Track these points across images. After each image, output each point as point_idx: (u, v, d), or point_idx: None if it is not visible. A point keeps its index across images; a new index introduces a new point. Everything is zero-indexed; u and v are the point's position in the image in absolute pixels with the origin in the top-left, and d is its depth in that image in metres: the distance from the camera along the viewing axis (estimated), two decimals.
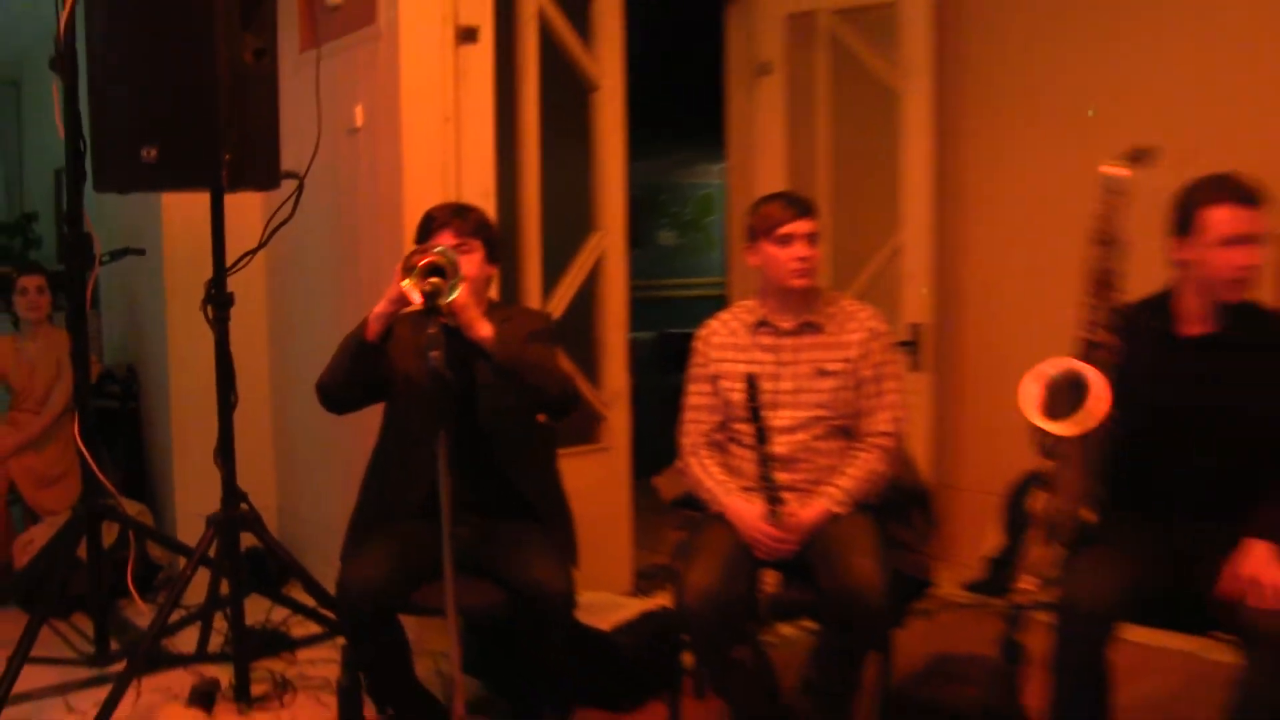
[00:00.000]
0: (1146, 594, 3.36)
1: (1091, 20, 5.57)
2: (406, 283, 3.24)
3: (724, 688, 3.87)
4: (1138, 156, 3.27)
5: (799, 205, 3.90)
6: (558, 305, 5.33)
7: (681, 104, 7.37)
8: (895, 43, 5.79)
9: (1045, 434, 3.28)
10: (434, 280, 3.21)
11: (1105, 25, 5.53)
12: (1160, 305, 3.54)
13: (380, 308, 3.57)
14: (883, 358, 3.91)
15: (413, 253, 3.31)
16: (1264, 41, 5.08)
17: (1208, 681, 3.95)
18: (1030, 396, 3.23)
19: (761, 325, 3.95)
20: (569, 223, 5.47)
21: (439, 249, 3.30)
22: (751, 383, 3.64)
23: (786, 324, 3.92)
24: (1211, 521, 3.40)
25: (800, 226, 3.83)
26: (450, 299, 3.21)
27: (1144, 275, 3.54)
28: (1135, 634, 4.38)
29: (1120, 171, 3.30)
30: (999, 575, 5.52)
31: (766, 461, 3.65)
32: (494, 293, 4.03)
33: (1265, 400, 3.39)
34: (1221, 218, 3.34)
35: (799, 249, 3.82)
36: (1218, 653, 3.79)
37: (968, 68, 5.96)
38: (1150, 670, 4.59)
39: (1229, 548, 3.26)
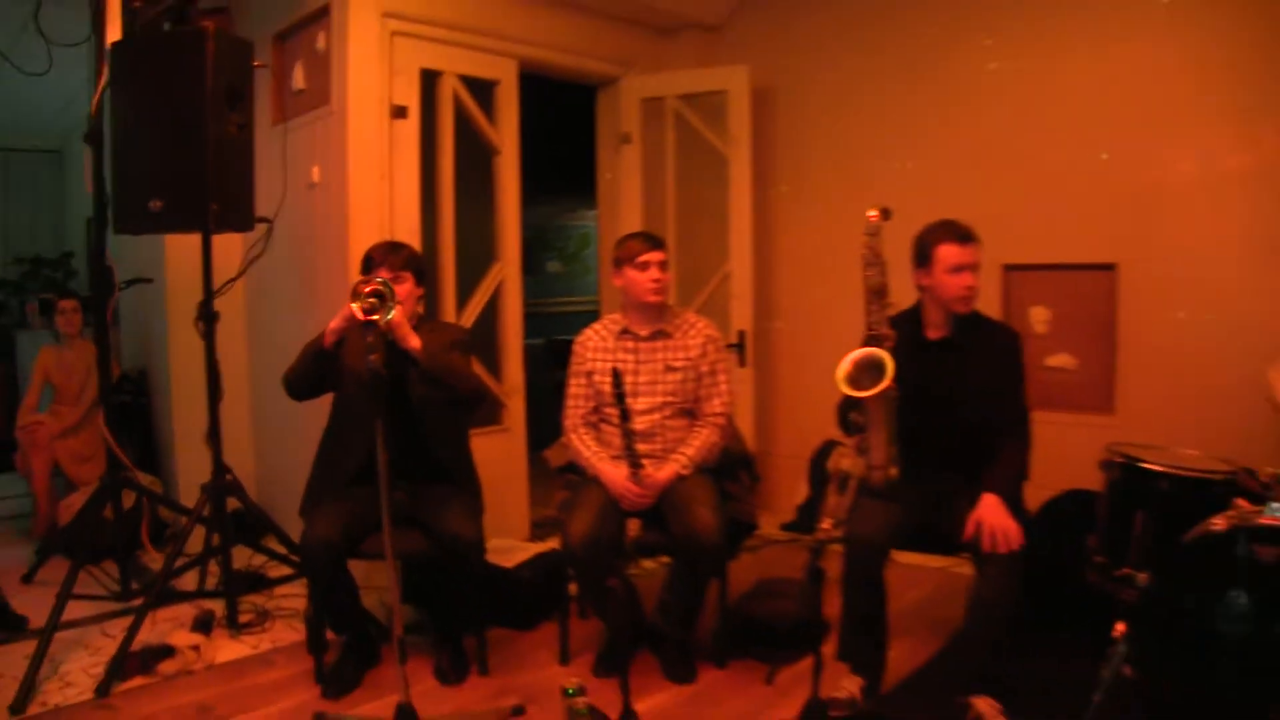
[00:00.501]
0: (911, 528, 3.51)
1: (867, 104, 5.81)
2: (355, 305, 3.26)
3: (600, 609, 3.94)
4: (886, 213, 3.38)
5: (653, 240, 3.98)
6: (468, 318, 5.32)
7: (566, 164, 7.39)
8: (724, 120, 5.89)
9: (851, 408, 3.36)
10: (373, 301, 3.25)
11: (876, 107, 5.76)
12: (913, 316, 3.66)
13: (334, 324, 3.60)
14: (716, 356, 3.99)
15: (359, 282, 3.32)
16: (988, 123, 5.41)
17: (955, 589, 4.07)
18: (843, 373, 3.29)
19: (624, 333, 4.00)
20: (477, 255, 5.47)
21: (379, 280, 3.32)
22: (617, 376, 3.65)
23: (644, 331, 3.98)
24: (954, 474, 3.54)
25: (654, 256, 3.91)
26: (388, 318, 3.25)
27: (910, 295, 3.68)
28: (904, 558, 4.54)
29: (875, 217, 3.37)
30: (806, 518, 5.71)
31: (629, 436, 3.67)
32: (420, 309, 4.04)
33: (984, 386, 3.53)
34: (949, 252, 3.51)
35: (653, 273, 3.90)
36: (961, 568, 3.93)
37: (778, 139, 6.14)
38: (915, 583, 4.77)
39: (966, 493, 3.40)
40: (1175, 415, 4.84)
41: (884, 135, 5.74)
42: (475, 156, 5.46)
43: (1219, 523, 3.00)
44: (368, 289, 3.29)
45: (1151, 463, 3.46)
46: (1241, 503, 3.20)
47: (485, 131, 5.43)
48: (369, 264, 3.88)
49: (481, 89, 5.40)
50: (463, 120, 5.32)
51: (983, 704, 3.31)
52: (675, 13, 6.12)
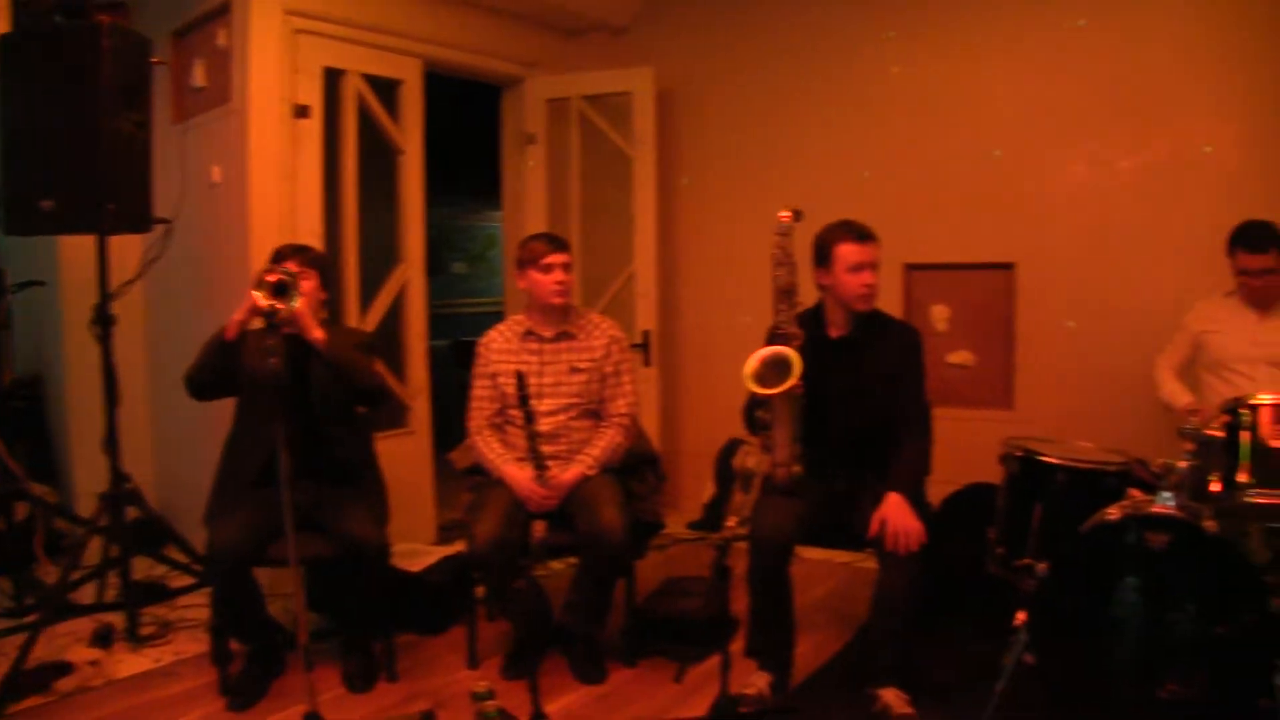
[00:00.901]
0: (816, 525, 3.53)
1: (771, 106, 5.87)
2: (257, 293, 3.21)
3: (508, 612, 3.91)
4: (798, 214, 3.41)
5: (557, 242, 3.95)
6: (372, 320, 5.24)
7: (472, 164, 7.32)
8: (629, 121, 5.88)
9: (757, 406, 3.38)
10: (276, 287, 3.23)
11: (780, 109, 5.83)
12: (816, 315, 3.69)
13: (237, 315, 3.52)
14: (620, 357, 3.97)
15: (263, 270, 3.28)
16: (891, 125, 5.52)
17: (860, 583, 4.12)
18: (750, 371, 3.31)
19: (528, 334, 3.97)
20: (380, 256, 5.39)
21: (283, 268, 3.28)
22: (520, 378, 3.63)
23: (548, 333, 3.95)
24: (857, 470, 3.59)
25: (558, 258, 3.88)
26: (292, 304, 3.20)
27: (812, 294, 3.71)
28: (810, 553, 4.60)
29: (787, 218, 3.42)
30: (712, 516, 5.71)
31: (534, 438, 3.65)
32: (324, 314, 3.97)
33: (885, 383, 3.58)
34: (848, 251, 3.53)
35: (557, 275, 3.87)
36: (866, 563, 3.97)
37: (681, 140, 6.15)
38: (822, 578, 4.81)
39: (870, 489, 3.44)
40: (1071, 409, 4.98)
41: (787, 136, 5.81)
42: (379, 156, 5.37)
43: (1113, 513, 3.07)
44: (272, 277, 3.24)
45: (1048, 456, 3.53)
46: (1135, 493, 3.29)
47: (389, 131, 5.35)
48: (277, 260, 3.79)
49: (385, 88, 5.32)
50: (366, 120, 5.23)
51: (890, 695, 3.34)
52: (581, 14, 6.10)
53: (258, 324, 3.49)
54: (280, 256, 3.78)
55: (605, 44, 6.35)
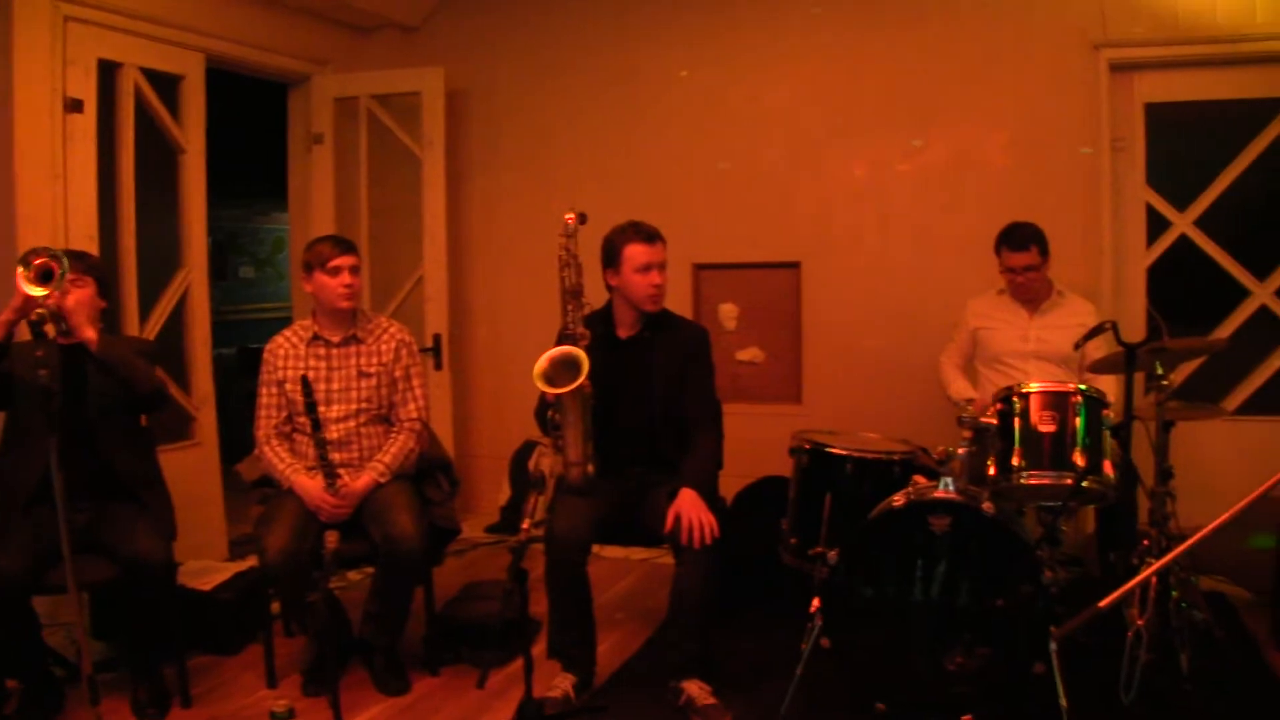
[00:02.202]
0: (612, 522, 3.54)
1: (562, 107, 5.86)
2: (20, 272, 3.00)
3: (305, 626, 3.77)
4: (583, 216, 3.40)
5: (344, 244, 3.81)
6: (152, 328, 4.94)
7: (259, 164, 7.04)
8: (418, 121, 5.77)
9: (548, 407, 3.36)
10: (42, 271, 3.02)
11: (572, 111, 5.82)
12: (605, 315, 3.70)
13: (5, 315, 3.22)
14: (410, 361, 3.87)
15: (27, 253, 3.05)
16: (680, 127, 5.59)
17: (659, 579, 4.13)
18: (539, 371, 3.28)
19: (315, 339, 3.81)
20: (161, 261, 5.10)
21: (50, 250, 3.05)
22: (306, 385, 3.52)
23: (335, 337, 3.80)
24: (650, 467, 3.60)
25: (345, 260, 3.74)
26: (60, 288, 3.03)
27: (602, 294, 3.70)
28: (608, 551, 4.58)
29: (572, 220, 3.42)
30: (509, 519, 5.67)
31: (323, 445, 3.55)
32: (100, 325, 3.70)
33: (674, 381, 3.61)
34: (636, 252, 3.56)
35: (344, 278, 3.72)
36: (664, 558, 3.98)
37: (472, 141, 6.06)
38: (621, 576, 4.82)
39: (664, 486, 3.46)
40: (858, 401, 5.16)
41: (578, 138, 5.80)
42: (159, 156, 5.09)
43: (898, 499, 3.19)
44: (37, 260, 3.02)
45: (836, 447, 3.64)
46: (919, 479, 3.41)
47: (169, 129, 5.05)
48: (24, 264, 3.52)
49: (165, 83, 5.02)
50: (145, 116, 4.92)
51: (693, 687, 3.37)
52: (372, 12, 5.93)
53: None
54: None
55: (396, 43, 6.20)
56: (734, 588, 3.99)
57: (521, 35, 5.94)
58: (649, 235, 3.57)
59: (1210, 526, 2.04)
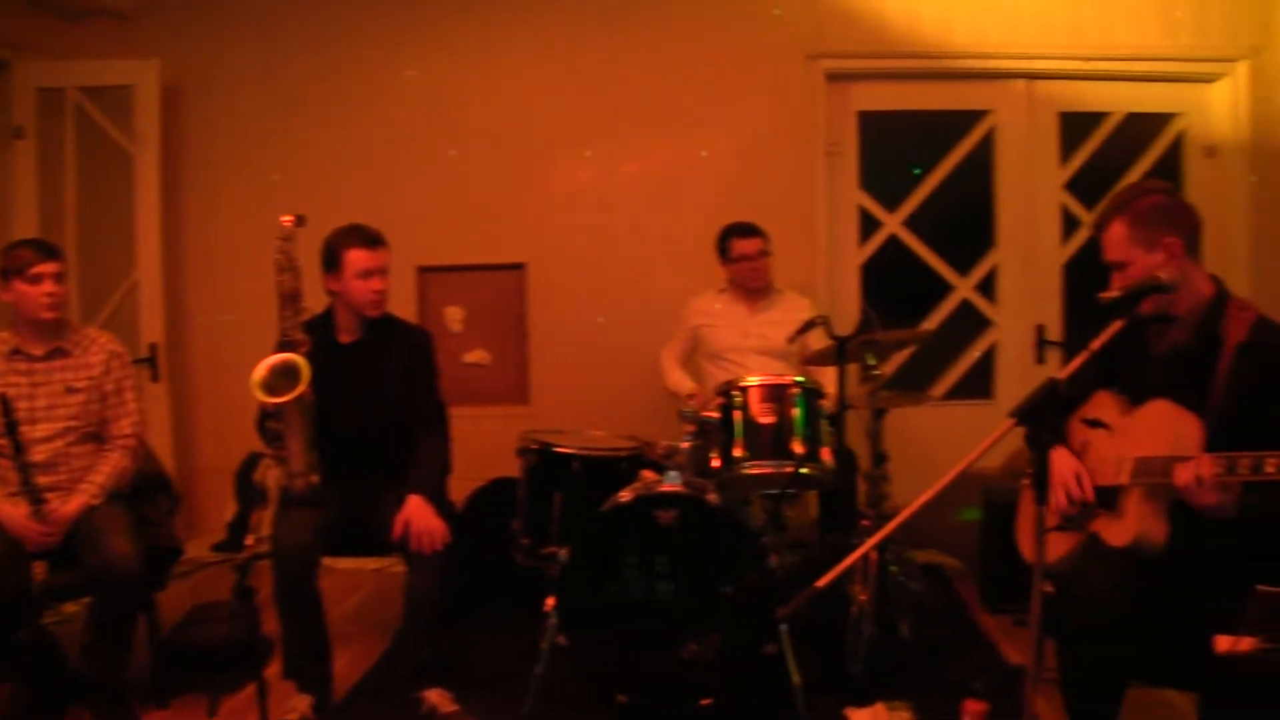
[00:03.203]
0: (341, 533, 3.50)
1: (282, 104, 5.72)
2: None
3: (14, 668, 3.48)
4: (301, 219, 3.35)
5: (47, 249, 3.59)
6: None
7: None
8: (131, 116, 5.53)
9: (269, 416, 3.28)
10: None
11: (292, 108, 5.69)
12: (326, 320, 3.65)
13: None
14: (122, 374, 3.70)
15: None
16: (405, 127, 5.59)
17: (393, 587, 4.10)
18: (258, 380, 3.21)
19: (15, 353, 3.58)
20: None
21: None
22: (5, 402, 3.32)
23: (38, 351, 3.58)
24: (377, 474, 3.58)
25: (48, 267, 3.52)
26: None
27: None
28: (340, 563, 4.53)
29: (289, 223, 3.35)
30: (237, 536, 5.48)
31: (26, 469, 3.35)
32: None
33: (398, 387, 3.61)
34: (357, 257, 3.53)
35: (47, 286, 3.51)
36: (397, 567, 3.96)
37: (189, 138, 5.82)
38: (354, 587, 4.78)
39: (392, 493, 3.43)
40: (586, 399, 5.32)
41: (302, 137, 5.68)
42: None
43: (625, 495, 3.29)
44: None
45: (563, 446, 3.71)
46: (647, 474, 3.53)
47: None
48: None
49: None
50: None
51: (434, 695, 3.39)
52: None
53: None
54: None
55: (109, 31, 5.83)
56: (470, 591, 4.03)
57: (242, 28, 5.75)
58: (370, 240, 3.55)
59: (916, 504, 2.17)
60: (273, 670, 3.48)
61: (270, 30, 5.73)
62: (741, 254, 4.56)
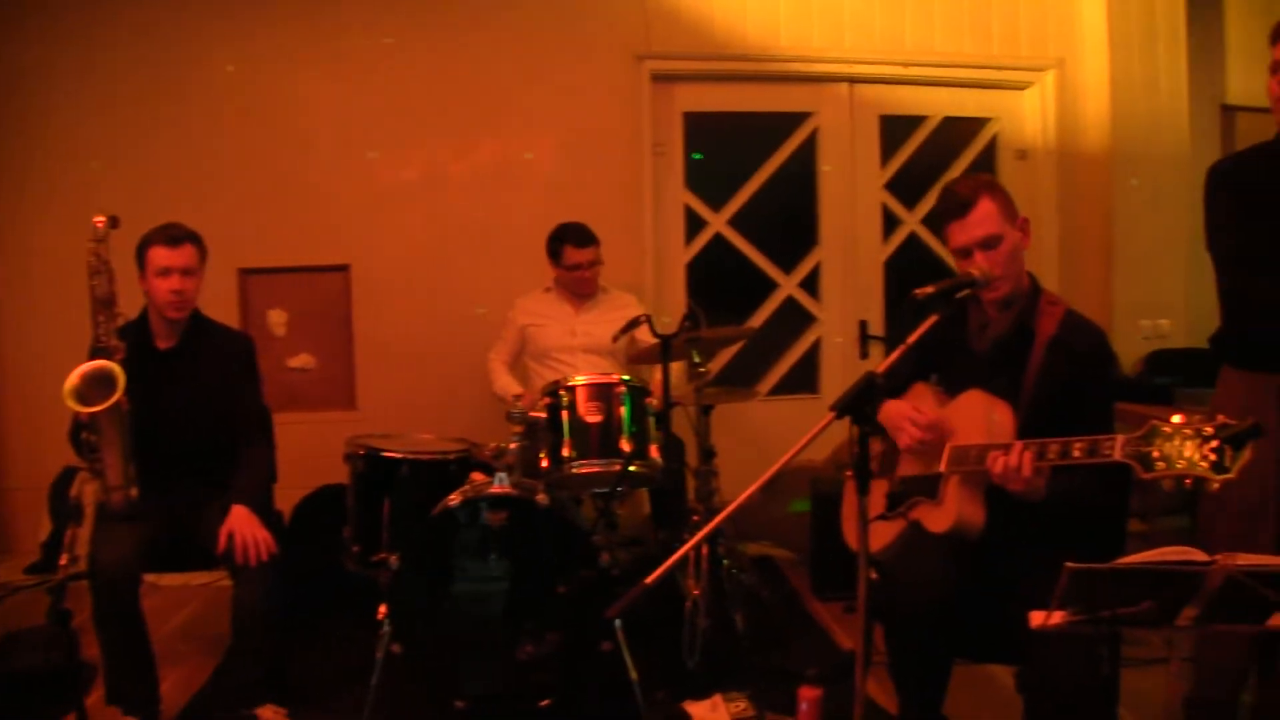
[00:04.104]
0: (164, 548, 3.40)
1: (96, 100, 5.51)
2: None
3: None
4: (114, 220, 3.26)
5: None
6: None
7: None
8: None
9: (82, 427, 3.17)
10: None
11: (106, 104, 5.50)
12: (141, 325, 3.54)
13: None
14: None
15: None
16: (225, 125, 5.47)
17: (221, 602, 4.01)
18: (70, 388, 3.08)
19: None
20: None
21: None
22: None
23: None
24: (199, 485, 3.49)
25: None
26: None
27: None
28: (164, 580, 4.41)
29: (102, 224, 3.24)
30: (52, 556, 5.28)
31: None
32: None
33: (218, 394, 3.53)
34: (156, 254, 3.43)
35: None
36: (224, 581, 3.86)
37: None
38: (180, 604, 4.64)
39: (216, 504, 3.37)
40: (414, 403, 5.33)
41: (116, 134, 5.46)
42: None
43: (454, 498, 3.30)
44: None
45: (391, 450, 3.69)
46: (477, 476, 3.55)
47: None
48: None
49: None
50: None
51: (267, 712, 3.30)
52: None
53: None
54: None
55: None
56: (301, 601, 3.95)
57: (51, 20, 5.51)
58: (172, 238, 3.44)
59: (741, 497, 2.21)
60: (95, 698, 3.35)
61: (81, 21, 5.49)
62: (574, 263, 4.62)
